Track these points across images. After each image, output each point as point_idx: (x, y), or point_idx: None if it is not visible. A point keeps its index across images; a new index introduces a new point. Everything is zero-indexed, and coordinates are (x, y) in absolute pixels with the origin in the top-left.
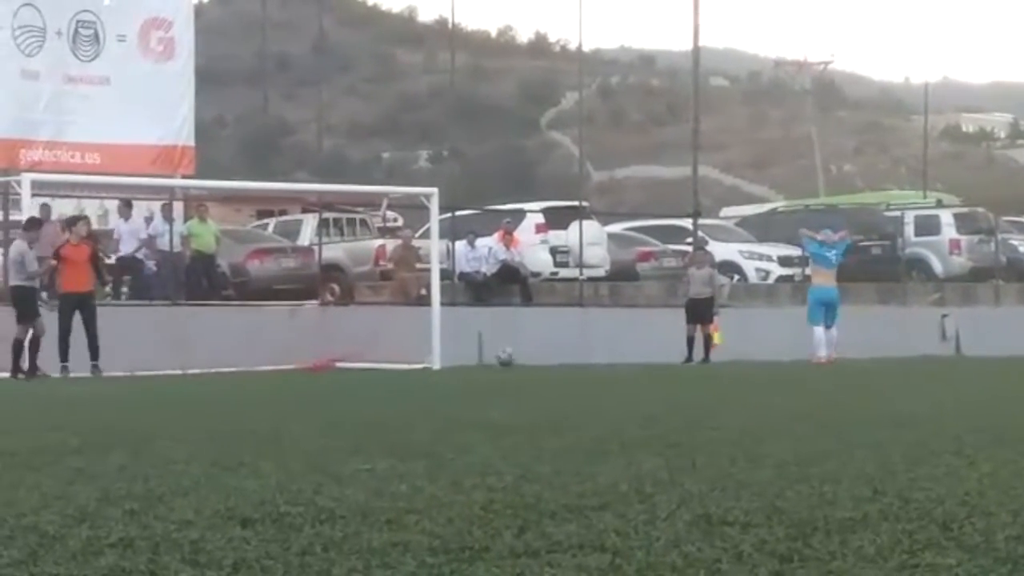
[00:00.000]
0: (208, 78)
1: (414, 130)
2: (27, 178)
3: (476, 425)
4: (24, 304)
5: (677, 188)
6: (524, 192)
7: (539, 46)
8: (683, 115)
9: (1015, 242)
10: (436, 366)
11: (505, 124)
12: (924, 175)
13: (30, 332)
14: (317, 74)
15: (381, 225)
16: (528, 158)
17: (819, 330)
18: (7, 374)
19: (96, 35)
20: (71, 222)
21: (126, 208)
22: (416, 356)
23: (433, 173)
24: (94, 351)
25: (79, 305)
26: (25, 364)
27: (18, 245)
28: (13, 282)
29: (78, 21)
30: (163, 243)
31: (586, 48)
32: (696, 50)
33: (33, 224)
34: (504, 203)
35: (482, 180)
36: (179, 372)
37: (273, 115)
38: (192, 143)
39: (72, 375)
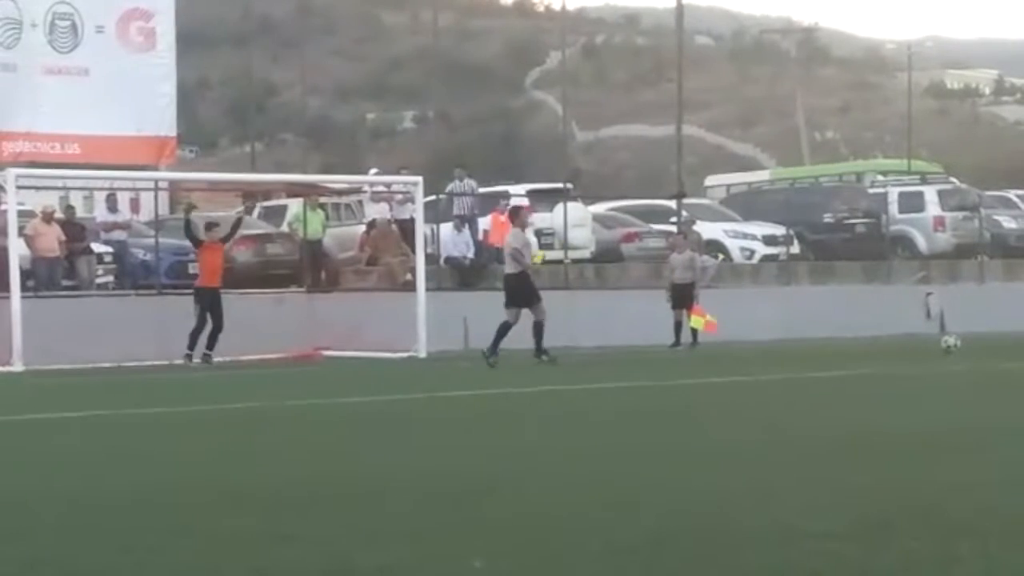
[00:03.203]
0: (192, 40)
1: (399, 91)
2: (11, 172)
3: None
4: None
5: (662, 147)
6: (509, 151)
7: (523, 6)
8: (668, 74)
9: (999, 218)
10: (422, 354)
11: (490, 84)
12: (908, 135)
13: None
14: (301, 36)
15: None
16: (513, 118)
17: None
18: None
19: (74, 26)
20: (209, 226)
21: None
22: (403, 343)
23: (418, 134)
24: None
25: (212, 299)
26: None
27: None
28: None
29: (54, 13)
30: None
31: (570, 7)
32: (680, 8)
33: None
34: (490, 167)
35: (467, 140)
36: (165, 363)
37: (258, 77)
38: (174, 133)
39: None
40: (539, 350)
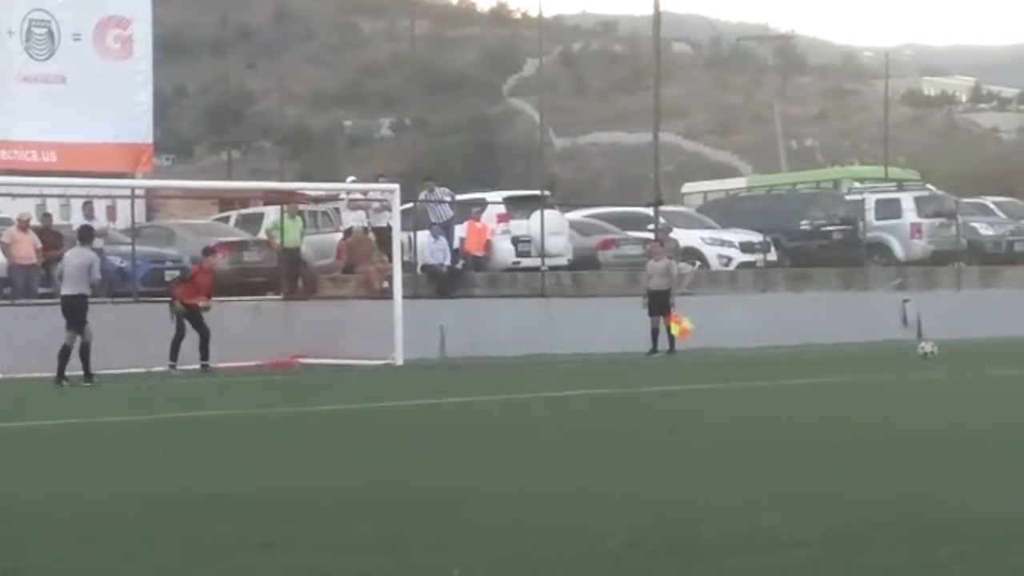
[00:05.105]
0: (170, 48)
1: (376, 98)
2: None
3: None
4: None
5: (640, 154)
6: (486, 159)
7: (500, 13)
8: (646, 81)
9: (976, 224)
10: (399, 362)
11: (467, 92)
12: (885, 142)
13: (78, 339)
14: (279, 43)
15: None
16: (490, 125)
17: None
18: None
19: (50, 34)
20: (207, 252)
21: None
22: (379, 351)
23: (396, 141)
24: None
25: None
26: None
27: (88, 254)
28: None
29: (31, 20)
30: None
31: (547, 14)
32: (657, 15)
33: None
34: (468, 174)
35: (444, 148)
36: (142, 370)
37: (235, 84)
38: (151, 141)
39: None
40: (87, 374)
